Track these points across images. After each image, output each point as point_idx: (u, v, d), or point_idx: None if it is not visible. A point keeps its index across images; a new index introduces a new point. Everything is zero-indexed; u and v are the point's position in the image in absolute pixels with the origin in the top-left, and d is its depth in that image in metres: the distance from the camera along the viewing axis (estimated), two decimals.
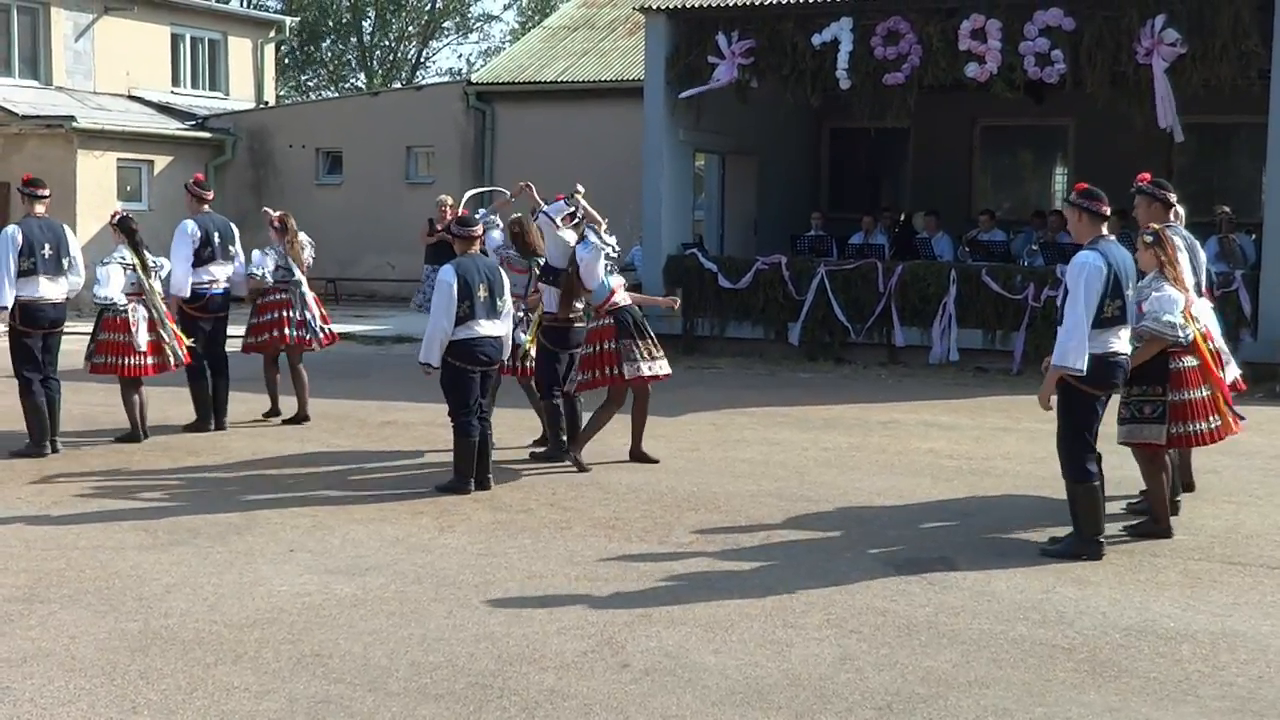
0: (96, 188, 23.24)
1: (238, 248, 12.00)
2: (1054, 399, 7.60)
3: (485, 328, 9.19)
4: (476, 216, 10.54)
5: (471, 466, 9.23)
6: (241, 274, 11.91)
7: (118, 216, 11.03)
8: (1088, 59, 15.12)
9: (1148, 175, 8.75)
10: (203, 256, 11.55)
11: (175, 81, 27.36)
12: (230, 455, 10.56)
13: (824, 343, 16.50)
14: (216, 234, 11.69)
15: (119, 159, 23.96)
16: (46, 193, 10.73)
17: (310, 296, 12.13)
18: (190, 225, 11.57)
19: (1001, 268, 16.13)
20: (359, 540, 7.93)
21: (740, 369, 15.92)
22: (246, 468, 10.13)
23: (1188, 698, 5.47)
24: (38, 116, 22.94)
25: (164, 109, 26.08)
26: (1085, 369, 7.34)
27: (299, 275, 12.01)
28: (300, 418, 11.96)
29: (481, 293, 9.13)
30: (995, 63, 15.46)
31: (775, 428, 11.85)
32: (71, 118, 22.87)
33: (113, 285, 10.62)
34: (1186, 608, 6.66)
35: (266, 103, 28.96)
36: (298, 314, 11.97)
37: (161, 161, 24.77)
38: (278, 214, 12.35)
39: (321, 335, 12.18)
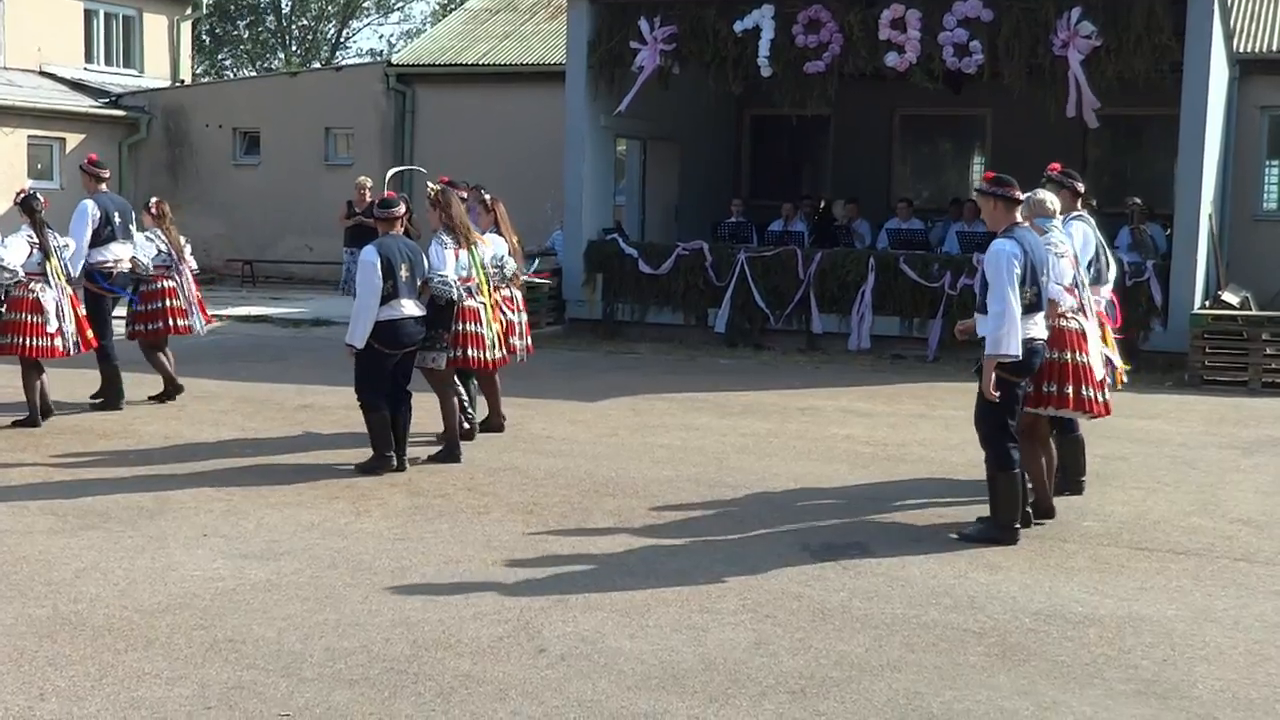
0: (7, 166, 22.81)
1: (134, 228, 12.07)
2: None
3: (409, 308, 9.21)
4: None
5: (387, 441, 9.22)
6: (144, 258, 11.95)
7: (22, 195, 10.85)
8: (1005, 50, 15.30)
9: (1058, 165, 8.87)
10: (103, 236, 11.55)
11: (89, 58, 26.84)
12: (142, 438, 10.41)
13: (744, 329, 16.57)
14: (117, 214, 11.70)
15: (30, 136, 23.52)
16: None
17: (191, 283, 12.18)
18: (90, 205, 11.57)
19: (919, 256, 16.29)
20: (273, 525, 7.86)
21: (660, 354, 15.94)
22: (159, 451, 9.98)
23: (1094, 680, 5.57)
24: None
25: (77, 86, 25.59)
26: (1020, 354, 7.43)
27: (180, 261, 12.05)
28: (167, 395, 11.96)
29: (404, 272, 9.15)
30: (915, 52, 15.60)
31: (694, 413, 11.89)
32: None
33: (12, 254, 10.44)
34: (1094, 592, 6.77)
35: (182, 81, 28.50)
36: (183, 302, 12.02)
37: (74, 139, 24.33)
38: (154, 200, 12.36)
39: (202, 322, 12.28)
